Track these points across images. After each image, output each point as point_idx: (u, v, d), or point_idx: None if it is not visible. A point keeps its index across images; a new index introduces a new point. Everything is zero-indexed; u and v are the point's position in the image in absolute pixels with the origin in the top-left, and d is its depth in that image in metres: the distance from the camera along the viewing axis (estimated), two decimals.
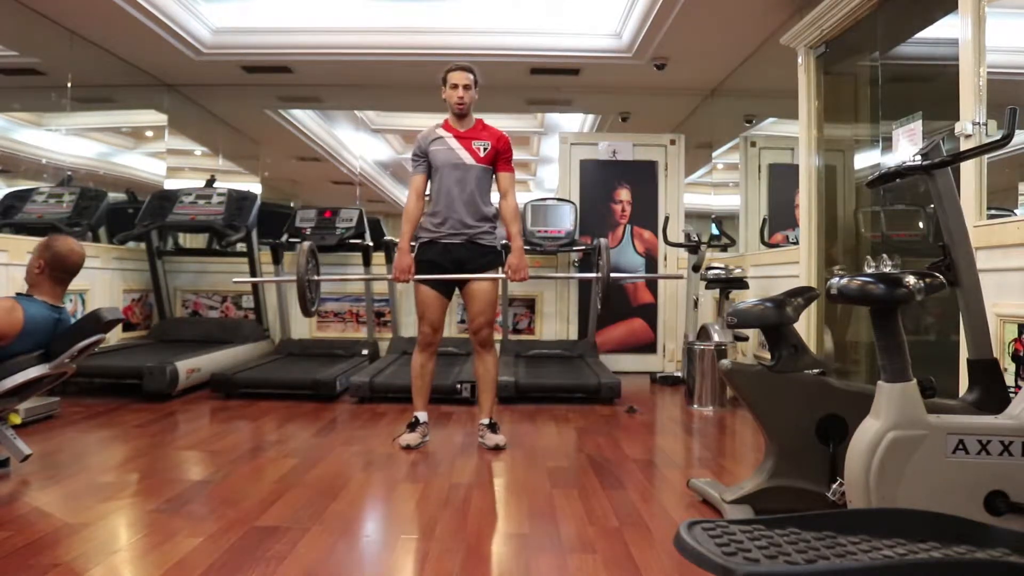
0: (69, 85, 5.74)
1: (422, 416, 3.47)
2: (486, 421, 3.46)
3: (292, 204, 8.21)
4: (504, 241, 3.47)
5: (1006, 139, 1.88)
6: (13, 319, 2.68)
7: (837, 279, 1.80)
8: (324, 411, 4.21)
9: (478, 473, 2.97)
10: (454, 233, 3.35)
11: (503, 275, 3.39)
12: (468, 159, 3.36)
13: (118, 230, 5.63)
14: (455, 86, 3.33)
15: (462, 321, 6.15)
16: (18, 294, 2.85)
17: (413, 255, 3.38)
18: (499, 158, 3.42)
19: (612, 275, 3.47)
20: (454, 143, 3.38)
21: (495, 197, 3.46)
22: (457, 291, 3.45)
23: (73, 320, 2.93)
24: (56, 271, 2.88)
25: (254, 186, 8.16)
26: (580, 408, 4.29)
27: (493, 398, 3.49)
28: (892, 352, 1.70)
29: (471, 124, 3.43)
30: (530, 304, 6.30)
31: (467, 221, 3.35)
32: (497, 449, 3.33)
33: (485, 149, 3.38)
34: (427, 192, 3.45)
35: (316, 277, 3.65)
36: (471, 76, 3.35)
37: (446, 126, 3.42)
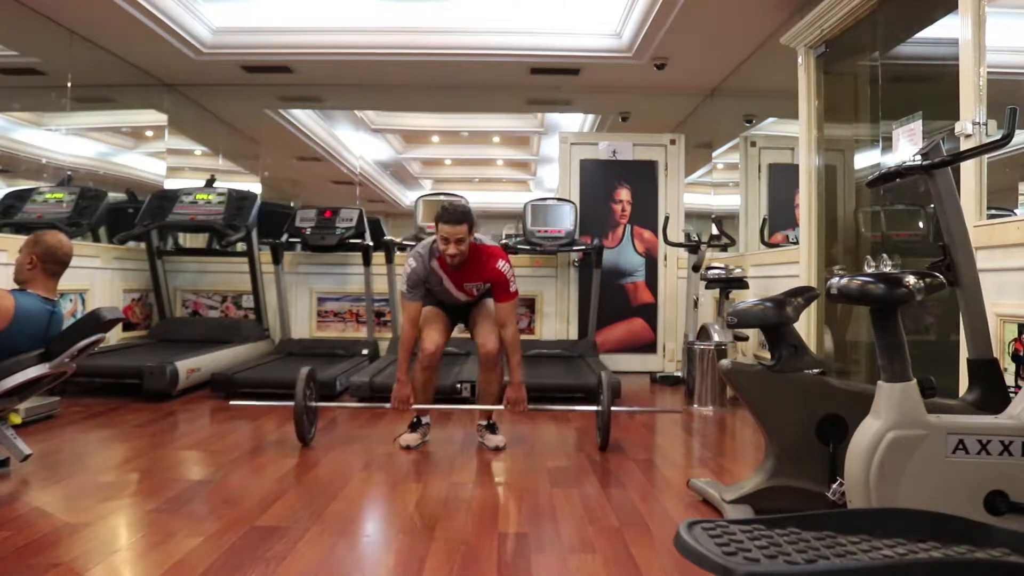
0: (69, 85, 5.74)
1: (424, 417, 3.47)
2: (485, 422, 3.46)
3: (292, 204, 8.20)
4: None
5: (1006, 139, 1.88)
6: (4, 305, 2.68)
7: (837, 279, 1.80)
8: (324, 411, 4.21)
9: (478, 473, 2.97)
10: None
11: (502, 407, 3.32)
12: (462, 297, 3.39)
13: (118, 230, 5.63)
14: (446, 240, 3.11)
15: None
16: (11, 291, 2.85)
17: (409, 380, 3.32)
18: (494, 289, 3.32)
19: (613, 409, 3.34)
20: (448, 283, 3.33)
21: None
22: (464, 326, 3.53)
23: (72, 319, 2.93)
24: (49, 264, 2.89)
25: (254, 186, 8.16)
26: (580, 408, 4.28)
27: (494, 400, 3.43)
28: (892, 352, 1.70)
29: (465, 263, 3.24)
30: (530, 304, 6.30)
31: (470, 299, 3.45)
32: (497, 450, 3.33)
33: (479, 289, 3.37)
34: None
35: (314, 404, 3.46)
36: (464, 227, 3.10)
37: (440, 262, 3.26)
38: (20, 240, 4.36)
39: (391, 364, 5.16)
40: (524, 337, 6.18)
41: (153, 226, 5.53)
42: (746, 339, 5.01)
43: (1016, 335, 2.53)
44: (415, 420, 3.43)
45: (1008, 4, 2.93)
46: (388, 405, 3.35)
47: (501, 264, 3.26)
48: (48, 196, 5.14)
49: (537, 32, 5.92)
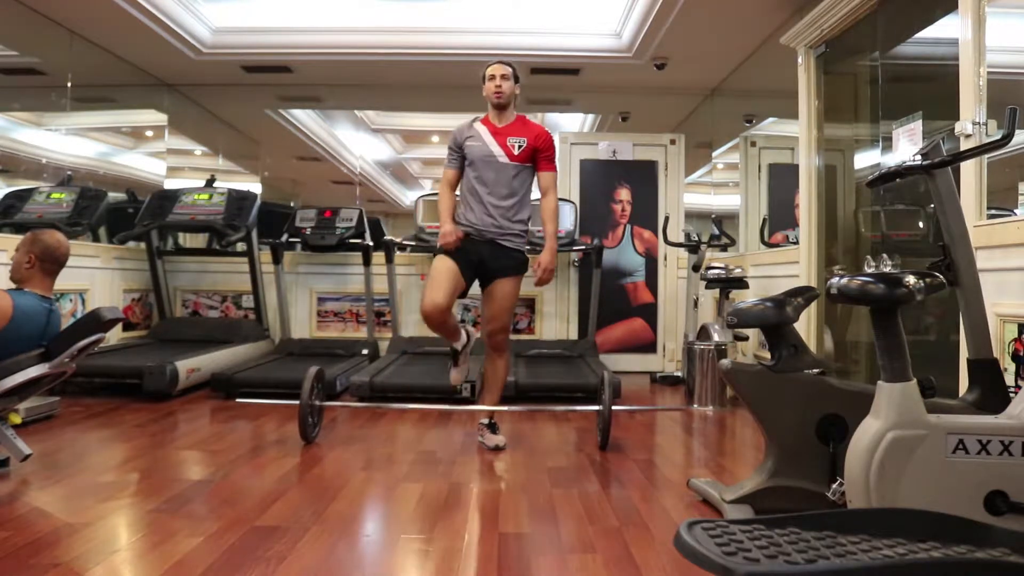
0: (69, 85, 5.73)
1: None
2: (486, 421, 3.43)
3: (292, 204, 8.20)
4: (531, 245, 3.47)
5: (1006, 139, 1.88)
6: (2, 305, 2.68)
7: (837, 279, 1.80)
8: (325, 410, 4.21)
9: (478, 473, 2.97)
10: (482, 230, 3.24)
11: (529, 271, 3.30)
12: (501, 156, 3.24)
13: (118, 230, 5.63)
14: (492, 77, 3.25)
15: (463, 321, 6.14)
16: (8, 290, 2.85)
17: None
18: (538, 156, 3.29)
19: (613, 408, 3.37)
20: (488, 138, 3.27)
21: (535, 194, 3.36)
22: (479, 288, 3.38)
23: (72, 319, 2.94)
24: (47, 263, 2.89)
25: (254, 186, 8.16)
26: (580, 408, 4.29)
27: (496, 399, 3.41)
28: (892, 352, 1.70)
29: (510, 119, 3.31)
30: (530, 304, 6.30)
31: (496, 221, 3.24)
32: (497, 450, 3.32)
33: (520, 147, 3.24)
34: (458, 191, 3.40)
35: (320, 403, 3.48)
36: (509, 68, 3.28)
37: (484, 121, 3.33)
38: (20, 240, 4.37)
39: (391, 364, 5.16)
40: (524, 337, 6.20)
41: (153, 226, 5.53)
42: (746, 339, 5.01)
43: (1016, 335, 2.53)
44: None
45: (1008, 4, 2.93)
46: (389, 405, 3.36)
47: (547, 131, 3.31)
48: (48, 196, 5.14)
49: (537, 32, 5.92)
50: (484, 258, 3.25)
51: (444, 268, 3.16)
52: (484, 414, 3.46)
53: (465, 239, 3.24)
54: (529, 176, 3.31)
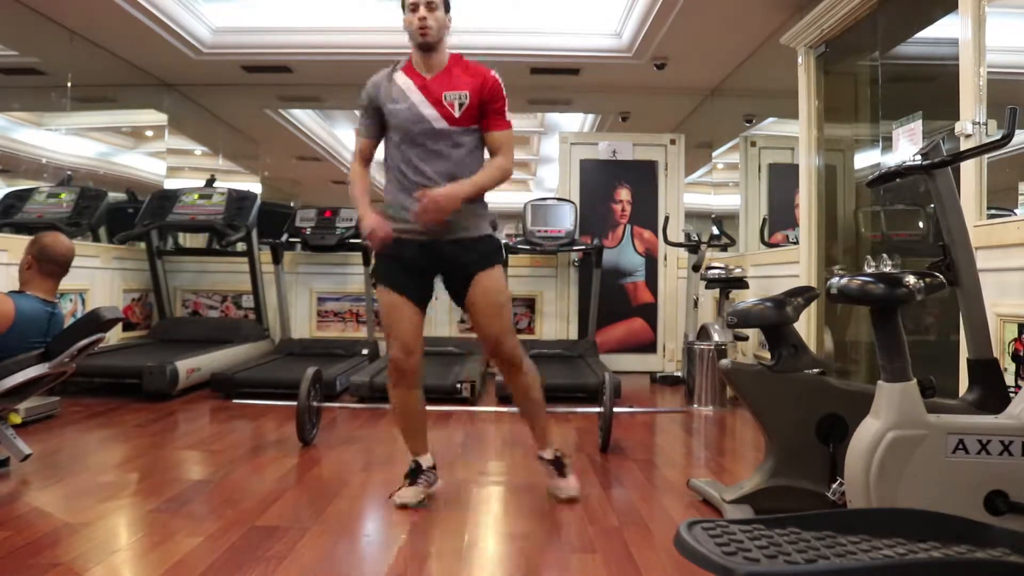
0: (69, 85, 5.74)
1: (425, 460, 2.55)
2: (548, 455, 2.59)
3: (292, 204, 8.21)
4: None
5: (1006, 139, 1.88)
6: (3, 309, 2.69)
7: (837, 279, 1.80)
8: (324, 411, 4.21)
9: (478, 473, 2.97)
10: (420, 231, 2.36)
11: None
12: (438, 120, 2.36)
13: (118, 230, 5.63)
14: (413, 5, 2.35)
15: (462, 321, 6.14)
16: (11, 292, 2.86)
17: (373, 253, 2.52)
18: (486, 110, 2.39)
19: (615, 410, 3.33)
20: (417, 95, 2.37)
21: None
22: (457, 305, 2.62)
23: (72, 319, 2.94)
24: (44, 263, 2.89)
25: (254, 186, 8.16)
26: (580, 408, 4.29)
27: (545, 425, 2.61)
28: (892, 352, 1.70)
29: (442, 65, 2.41)
30: (530, 304, 6.30)
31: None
32: (571, 501, 2.52)
33: (462, 104, 2.36)
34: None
35: (318, 404, 3.43)
36: None
37: (407, 70, 2.44)
38: (20, 240, 4.38)
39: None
40: (524, 337, 6.19)
41: (153, 226, 5.53)
42: (746, 339, 5.01)
43: (1016, 335, 2.53)
44: (413, 465, 2.54)
45: (1008, 4, 2.93)
46: (389, 406, 3.34)
47: (494, 73, 2.42)
48: (48, 196, 5.14)
49: (537, 32, 5.92)
50: (436, 261, 2.43)
51: (396, 301, 2.41)
52: (543, 445, 2.62)
53: (400, 242, 2.39)
54: (478, 141, 2.43)
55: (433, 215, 2.27)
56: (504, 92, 2.43)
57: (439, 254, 2.42)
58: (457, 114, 2.36)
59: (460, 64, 2.43)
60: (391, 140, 2.44)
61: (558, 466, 2.59)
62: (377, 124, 2.47)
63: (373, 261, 2.48)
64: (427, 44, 2.37)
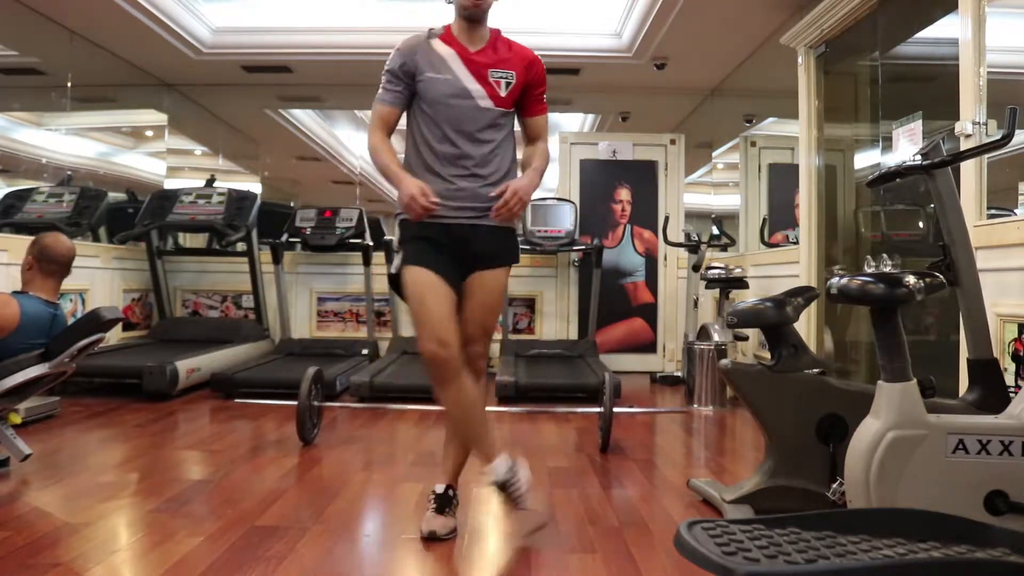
0: (69, 85, 5.73)
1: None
2: (440, 488, 2.24)
3: (292, 204, 8.21)
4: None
5: (1006, 139, 1.88)
6: (9, 312, 2.69)
7: (837, 279, 1.80)
8: (325, 411, 4.21)
9: (478, 473, 2.97)
10: (457, 208, 2.15)
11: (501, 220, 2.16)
12: (483, 97, 2.15)
13: (118, 230, 5.63)
14: None
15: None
16: (13, 292, 2.86)
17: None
18: (529, 95, 2.23)
19: (615, 410, 3.33)
20: (460, 68, 2.16)
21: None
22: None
23: (72, 319, 2.94)
24: (45, 263, 2.89)
25: (254, 186, 8.16)
26: (580, 408, 4.29)
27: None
28: (892, 352, 1.70)
29: (484, 39, 2.21)
30: (530, 303, 6.30)
31: (476, 192, 2.16)
32: (432, 539, 2.14)
33: (509, 84, 2.17)
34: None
35: (319, 404, 3.43)
36: None
37: (446, 38, 2.20)
38: (20, 240, 4.38)
39: (391, 364, 5.16)
40: (524, 337, 6.19)
41: (153, 226, 5.53)
42: (746, 339, 5.01)
43: (1016, 335, 2.53)
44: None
45: (1008, 4, 2.93)
46: (389, 405, 3.33)
47: (536, 56, 2.27)
48: (48, 196, 5.14)
49: (537, 32, 5.91)
50: (464, 244, 2.18)
51: (430, 280, 2.12)
52: (441, 475, 2.29)
53: (425, 224, 2.15)
54: (512, 125, 2.28)
55: (517, 208, 2.09)
56: (546, 77, 2.29)
57: (463, 236, 2.17)
58: (503, 93, 2.16)
59: (503, 41, 2.24)
60: (423, 113, 2.17)
61: (440, 501, 2.21)
62: (407, 93, 2.19)
63: (398, 252, 2.21)
64: (479, 15, 2.17)
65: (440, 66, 2.16)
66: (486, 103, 2.15)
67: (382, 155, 2.17)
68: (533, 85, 2.23)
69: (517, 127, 2.32)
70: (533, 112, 2.27)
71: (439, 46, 2.18)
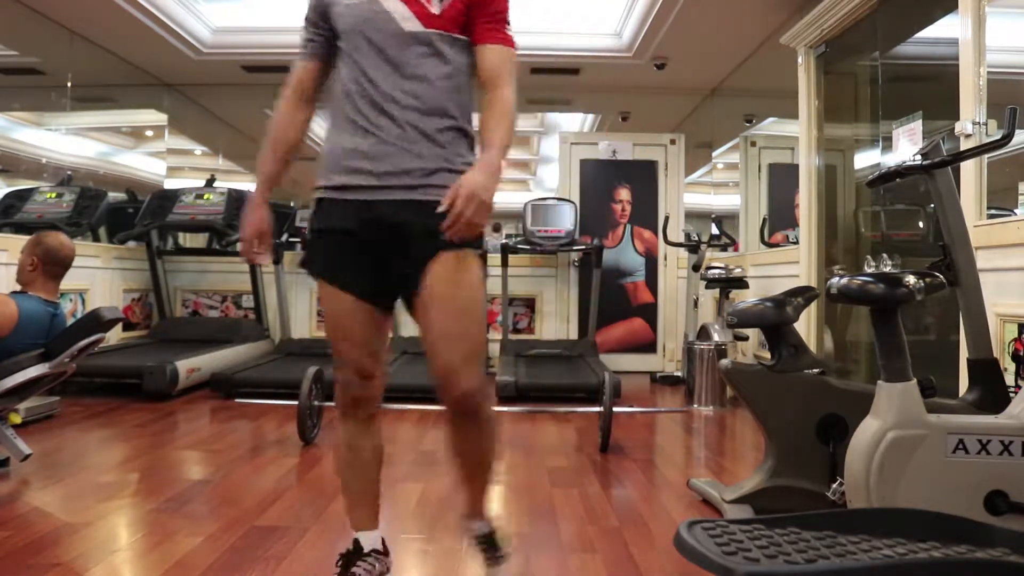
0: (69, 85, 5.73)
1: (367, 539, 1.72)
2: (482, 528, 1.79)
3: (292, 204, 8.20)
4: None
5: (1006, 139, 1.88)
6: (8, 312, 2.69)
7: (837, 279, 1.80)
8: (325, 410, 4.21)
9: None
10: (379, 182, 1.57)
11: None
12: (406, 19, 1.57)
13: (118, 230, 5.63)
14: None
15: None
16: (12, 292, 2.86)
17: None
18: (475, 14, 1.64)
19: (615, 410, 3.33)
20: None
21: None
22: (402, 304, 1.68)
23: (72, 319, 2.94)
24: (49, 265, 2.89)
25: (254, 186, 8.15)
26: (580, 408, 4.29)
27: (486, 488, 1.80)
28: (892, 352, 1.70)
29: None
30: (530, 303, 6.29)
31: (409, 148, 1.56)
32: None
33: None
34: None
35: (319, 403, 3.43)
36: None
37: None
38: (20, 240, 4.38)
39: (391, 364, 5.16)
40: (524, 337, 6.19)
41: (153, 226, 5.53)
42: (746, 339, 5.01)
43: (1016, 335, 2.53)
44: (352, 547, 1.71)
45: (1008, 4, 2.93)
46: (389, 405, 3.32)
47: None
48: (48, 196, 5.15)
49: (537, 32, 5.91)
50: (396, 232, 1.57)
51: (343, 303, 1.62)
52: (477, 513, 1.80)
53: (350, 210, 1.60)
54: (466, 57, 1.65)
55: (476, 217, 1.42)
56: None
57: (393, 220, 1.56)
58: (435, 10, 1.58)
59: None
60: (341, 55, 1.65)
61: (490, 546, 1.77)
62: (324, 40, 1.69)
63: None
64: None
65: None
66: (412, 25, 1.57)
67: (264, 145, 1.76)
68: (478, 2, 1.63)
69: None
70: (484, 38, 1.64)
71: None
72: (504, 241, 6.13)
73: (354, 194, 1.60)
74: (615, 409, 3.42)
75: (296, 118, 1.78)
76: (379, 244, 1.59)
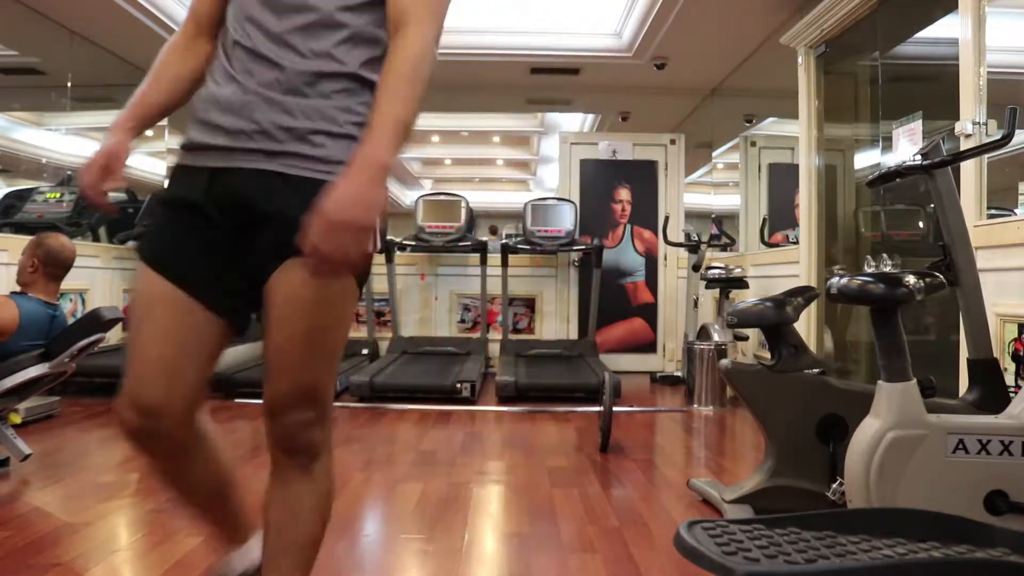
0: (69, 85, 5.74)
1: (240, 557, 1.56)
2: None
3: None
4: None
5: (1006, 139, 1.88)
6: (10, 316, 2.69)
7: (837, 279, 1.80)
8: None
9: (478, 473, 2.97)
10: (231, 142, 1.18)
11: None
12: None
13: (118, 230, 5.63)
14: None
15: (462, 321, 6.15)
16: (12, 293, 2.86)
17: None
18: None
19: (615, 410, 3.34)
20: None
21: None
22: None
23: (72, 319, 2.94)
24: (50, 267, 2.89)
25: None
26: (580, 408, 4.29)
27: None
28: (892, 352, 1.70)
29: None
30: (530, 303, 6.29)
31: (276, 102, 1.16)
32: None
33: None
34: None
35: None
36: None
37: None
38: (20, 240, 4.38)
39: (391, 364, 5.16)
40: (523, 336, 6.18)
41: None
42: (746, 339, 5.01)
43: (1016, 335, 2.53)
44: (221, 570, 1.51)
45: (1008, 4, 2.93)
46: (389, 405, 3.33)
47: None
48: (48, 196, 5.15)
49: (537, 32, 5.92)
50: (248, 211, 1.19)
51: (156, 290, 1.30)
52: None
53: (201, 179, 1.20)
54: (381, 14, 1.21)
55: (338, 251, 1.07)
56: None
57: (245, 193, 1.18)
58: None
59: None
60: None
61: None
62: None
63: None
64: None
65: None
66: None
67: (149, 75, 1.34)
68: None
69: None
70: None
71: None
72: (504, 241, 6.13)
73: (204, 158, 1.20)
74: (615, 409, 3.42)
75: (189, 48, 1.35)
76: (227, 228, 1.20)
